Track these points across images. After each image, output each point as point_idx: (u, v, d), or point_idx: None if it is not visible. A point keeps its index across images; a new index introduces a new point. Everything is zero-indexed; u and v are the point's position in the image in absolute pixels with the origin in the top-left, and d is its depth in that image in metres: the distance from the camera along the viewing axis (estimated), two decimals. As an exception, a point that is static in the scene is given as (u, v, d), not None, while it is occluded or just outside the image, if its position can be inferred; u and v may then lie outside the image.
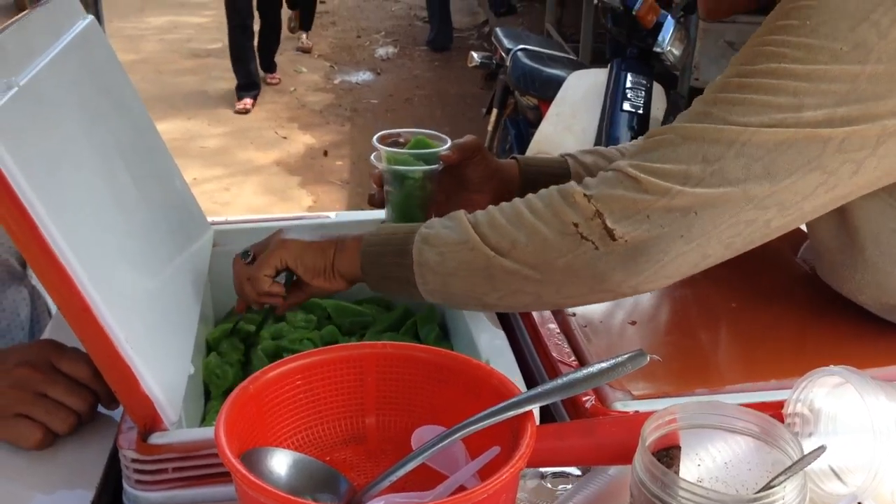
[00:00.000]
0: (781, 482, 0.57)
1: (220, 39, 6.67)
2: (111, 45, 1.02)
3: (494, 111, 3.73)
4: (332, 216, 1.23)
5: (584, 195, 0.81)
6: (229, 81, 5.14)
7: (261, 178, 4.22)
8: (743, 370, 0.90)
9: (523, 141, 3.36)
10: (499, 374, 0.72)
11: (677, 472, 0.67)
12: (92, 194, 0.77)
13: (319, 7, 8.01)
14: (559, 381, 0.70)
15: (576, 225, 0.80)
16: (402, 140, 1.11)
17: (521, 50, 3.58)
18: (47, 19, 0.88)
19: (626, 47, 2.85)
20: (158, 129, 1.06)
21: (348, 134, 4.94)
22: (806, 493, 0.59)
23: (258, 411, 0.69)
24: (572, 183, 0.84)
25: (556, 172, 1.10)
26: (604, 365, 0.71)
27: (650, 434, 0.62)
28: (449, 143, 1.07)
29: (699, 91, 3.73)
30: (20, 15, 0.82)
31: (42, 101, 0.77)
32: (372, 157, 1.10)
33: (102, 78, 0.94)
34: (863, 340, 0.95)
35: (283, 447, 0.70)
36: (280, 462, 0.65)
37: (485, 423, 0.67)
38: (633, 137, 2.72)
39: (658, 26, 2.78)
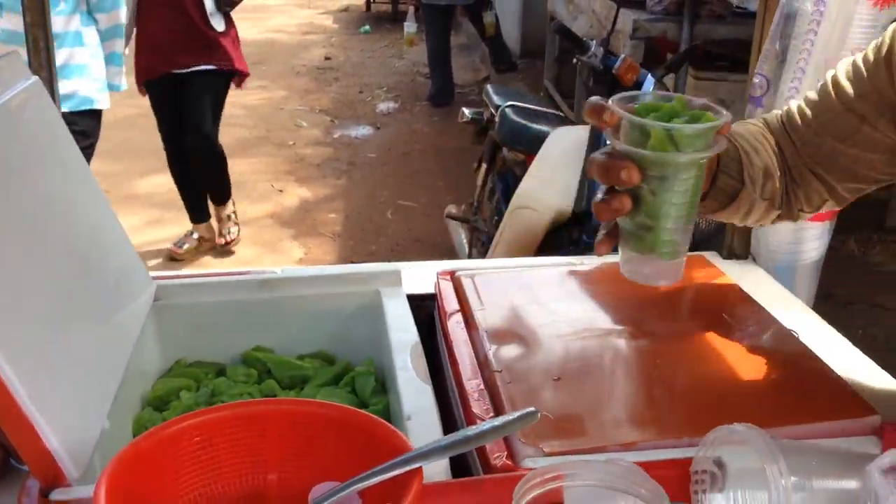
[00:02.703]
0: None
1: (224, 94, 6.79)
2: (54, 106, 1.05)
3: (484, 166, 3.77)
4: (279, 271, 1.25)
5: None
6: (224, 136, 5.23)
7: (253, 231, 4.26)
8: (659, 428, 0.91)
9: (511, 195, 3.39)
10: (398, 434, 0.73)
11: (561, 531, 0.68)
12: (6, 257, 0.79)
13: (324, 63, 8.17)
14: (450, 438, 0.70)
15: None
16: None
17: (509, 106, 3.63)
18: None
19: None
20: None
21: (343, 187, 4.99)
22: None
23: (153, 468, 0.70)
24: None
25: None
26: (495, 423, 0.72)
27: (525, 494, 0.62)
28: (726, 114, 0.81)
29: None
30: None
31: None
32: (611, 142, 0.81)
33: (39, 139, 0.97)
34: (780, 399, 0.96)
35: None
36: (165, 519, 0.66)
37: (372, 480, 0.68)
38: (614, 193, 2.74)
39: (638, 84, 2.81)
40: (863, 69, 0.99)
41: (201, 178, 3.95)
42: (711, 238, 2.33)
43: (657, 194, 0.81)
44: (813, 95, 1.04)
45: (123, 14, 3.25)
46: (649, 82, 2.81)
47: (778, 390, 0.98)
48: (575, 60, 2.83)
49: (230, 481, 0.75)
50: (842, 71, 1.01)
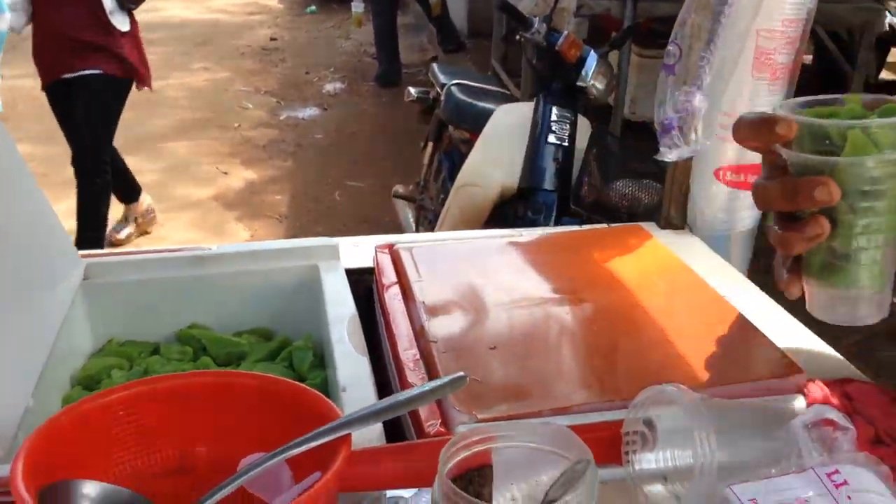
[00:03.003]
0: (560, 495, 0.58)
1: (168, 76, 6.67)
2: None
3: (430, 144, 3.77)
4: (213, 248, 1.23)
5: None
6: (168, 118, 5.14)
7: (197, 214, 4.20)
8: (592, 392, 0.91)
9: (457, 173, 3.39)
10: (325, 401, 0.73)
11: (489, 492, 0.68)
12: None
13: (269, 44, 8.06)
14: (378, 405, 0.70)
15: None
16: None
17: (454, 85, 3.62)
18: None
19: (550, 82, 2.89)
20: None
21: (290, 169, 4.95)
22: (593, 507, 0.60)
23: (77, 444, 0.68)
24: None
25: None
26: (424, 388, 0.72)
27: (451, 457, 0.62)
28: None
29: (635, 124, 3.83)
30: None
31: None
32: (784, 152, 0.68)
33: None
34: (711, 360, 0.98)
35: (104, 480, 0.69)
36: (86, 495, 0.65)
37: (299, 448, 0.67)
38: (558, 169, 2.76)
39: (581, 61, 2.82)
40: None
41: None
42: (655, 211, 2.36)
43: (857, 211, 0.65)
44: None
45: None
46: (592, 59, 2.82)
47: (709, 352, 1.00)
48: (518, 37, 2.83)
49: (158, 455, 0.74)
50: None
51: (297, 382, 0.74)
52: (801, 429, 0.81)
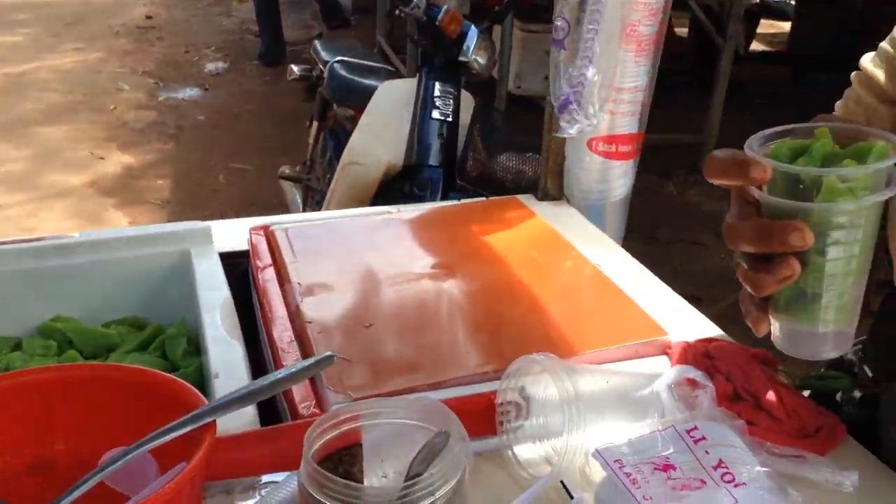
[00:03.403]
0: (426, 468, 0.58)
1: (36, 58, 6.34)
2: None
3: (315, 123, 3.72)
4: (77, 235, 1.18)
5: None
6: (37, 102, 4.89)
7: (72, 202, 4.02)
8: (468, 365, 0.92)
9: (342, 151, 3.36)
10: (188, 388, 0.71)
11: (360, 470, 0.68)
12: None
13: (145, 22, 7.76)
14: (244, 389, 0.69)
15: None
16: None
17: (338, 62, 3.58)
18: None
19: (432, 57, 2.89)
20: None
21: (171, 152, 4.78)
22: (460, 476, 0.60)
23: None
24: None
25: None
26: (292, 369, 0.71)
27: (317, 438, 0.62)
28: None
29: (520, 98, 3.85)
30: None
31: None
32: (756, 193, 0.66)
33: None
34: (582, 327, 1.00)
35: (-47, 482, 0.66)
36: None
37: (162, 439, 0.65)
38: (443, 145, 2.76)
39: (463, 36, 2.83)
40: (892, 52, 0.93)
41: None
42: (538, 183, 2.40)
43: (828, 253, 0.64)
44: (842, 102, 0.99)
45: None
46: (473, 34, 2.83)
47: (580, 319, 1.02)
48: (398, 12, 2.81)
49: (15, 454, 0.71)
50: (867, 66, 0.95)
51: (160, 372, 0.72)
52: (664, 389, 0.84)
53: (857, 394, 0.94)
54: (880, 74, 0.94)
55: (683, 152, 4.49)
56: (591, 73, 1.33)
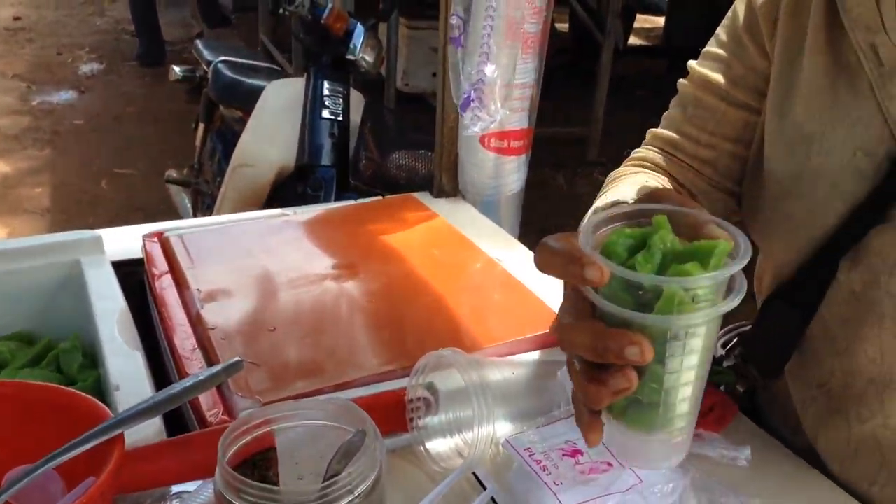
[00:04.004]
0: (344, 467, 0.59)
1: None
2: None
3: (201, 125, 3.63)
4: (-43, 250, 1.12)
5: None
6: None
7: (-59, 214, 3.81)
8: (375, 364, 0.93)
9: (231, 153, 3.30)
10: (91, 401, 0.69)
11: (276, 474, 0.68)
12: None
13: (13, 23, 7.40)
14: (151, 400, 0.68)
15: None
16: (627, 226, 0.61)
17: (221, 62, 3.51)
18: None
19: (319, 56, 2.87)
20: None
21: (49, 158, 4.58)
22: (377, 473, 0.61)
23: None
24: None
25: None
26: (199, 377, 0.70)
27: (231, 444, 0.61)
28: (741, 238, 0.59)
29: (409, 96, 3.85)
30: None
31: None
32: (591, 295, 0.58)
33: None
34: (486, 321, 1.02)
35: None
36: None
37: (67, 455, 0.63)
38: (335, 144, 2.75)
39: (349, 34, 2.82)
40: (724, 54, 0.94)
41: None
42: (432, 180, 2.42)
43: (667, 365, 0.58)
44: (678, 112, 0.99)
45: None
46: (360, 32, 2.83)
47: (483, 314, 1.04)
48: (282, 11, 2.78)
49: None
50: (702, 71, 0.95)
51: (57, 386, 0.70)
52: (568, 377, 0.86)
53: (740, 389, 1.00)
54: (718, 77, 0.93)
55: (571, 145, 4.61)
56: (490, 70, 1.36)
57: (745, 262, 0.56)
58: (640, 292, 0.56)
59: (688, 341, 0.58)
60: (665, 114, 1.03)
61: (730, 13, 0.95)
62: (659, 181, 0.93)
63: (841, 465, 0.88)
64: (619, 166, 1.04)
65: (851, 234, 0.82)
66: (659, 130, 1.02)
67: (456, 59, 1.40)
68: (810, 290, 0.87)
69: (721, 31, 0.96)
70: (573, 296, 0.62)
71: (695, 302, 0.56)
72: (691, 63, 0.99)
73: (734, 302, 0.57)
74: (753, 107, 0.92)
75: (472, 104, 1.35)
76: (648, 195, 0.67)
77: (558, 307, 0.64)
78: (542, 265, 0.60)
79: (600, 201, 0.88)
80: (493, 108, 1.37)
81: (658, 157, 1.00)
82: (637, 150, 1.05)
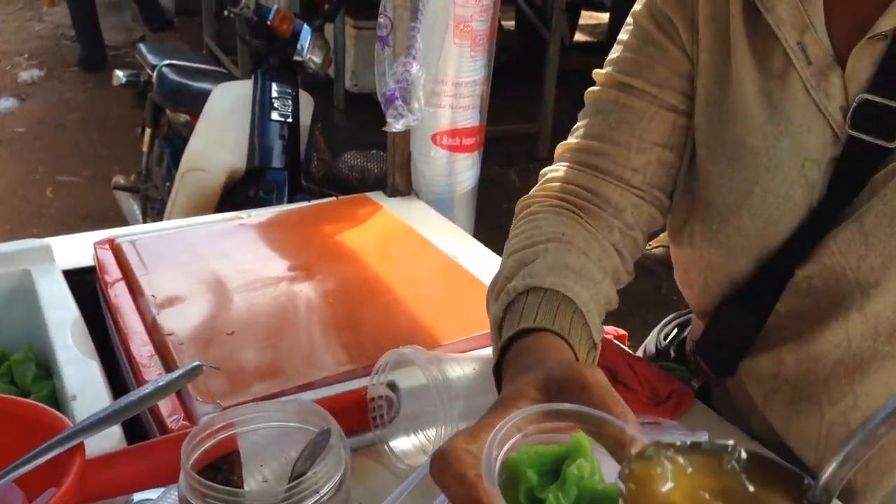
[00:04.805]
0: (309, 467, 0.59)
1: None
2: None
3: (148, 130, 3.58)
4: None
5: None
6: None
7: None
8: (335, 364, 0.93)
9: (180, 158, 3.26)
10: (49, 412, 0.68)
11: (240, 477, 0.68)
12: None
13: (-53, 31, 7.20)
14: (110, 408, 0.67)
15: None
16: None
17: (166, 65, 3.46)
18: None
19: (266, 58, 2.85)
20: None
21: (-10, 168, 4.48)
22: (343, 472, 0.61)
23: None
24: None
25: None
26: (159, 382, 0.69)
27: (194, 448, 0.61)
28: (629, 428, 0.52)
29: (359, 96, 3.84)
30: None
31: None
32: None
33: None
34: (444, 318, 1.03)
35: None
36: None
37: (26, 466, 0.63)
38: (285, 147, 2.74)
39: (296, 35, 2.81)
40: (642, 59, 0.90)
41: None
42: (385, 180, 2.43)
43: None
44: (599, 120, 0.92)
45: None
46: (306, 33, 2.81)
47: (442, 311, 1.05)
48: (226, 13, 2.75)
49: None
50: (622, 77, 0.90)
51: (14, 397, 0.69)
52: (528, 369, 0.87)
53: (695, 384, 1.02)
54: (640, 81, 0.89)
55: (522, 142, 4.64)
56: (415, 68, 1.36)
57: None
58: None
59: None
60: (577, 126, 0.95)
61: (630, 21, 0.92)
62: (580, 260, 0.82)
63: (816, 453, 0.88)
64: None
65: (808, 239, 0.82)
66: (575, 142, 0.94)
67: (382, 57, 1.40)
68: (766, 294, 0.87)
69: (630, 38, 0.91)
70: None
71: None
72: (604, 71, 0.93)
73: None
74: (681, 109, 0.89)
75: (395, 101, 1.36)
76: (568, 374, 0.57)
77: None
78: (439, 482, 0.51)
79: (512, 292, 0.78)
80: (415, 106, 1.37)
81: (580, 177, 0.91)
82: (552, 168, 0.96)
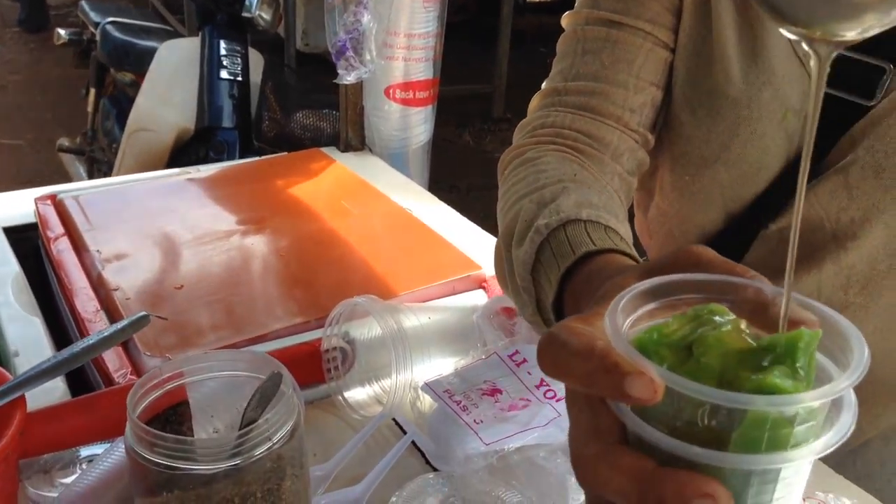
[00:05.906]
0: (260, 414, 0.57)
1: None
2: None
3: (93, 90, 3.48)
4: None
5: None
6: None
7: None
8: (289, 316, 0.91)
9: (126, 118, 3.18)
10: (-12, 366, 0.65)
11: (189, 428, 0.66)
12: None
13: None
14: (53, 359, 0.64)
15: None
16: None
17: (110, 23, 3.36)
18: None
19: (214, 15, 2.78)
20: None
21: (-70, 133, 4.33)
22: (296, 418, 0.59)
23: None
24: None
25: None
26: (104, 333, 0.67)
27: (141, 399, 0.59)
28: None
29: (309, 56, 3.78)
30: None
31: None
32: (631, 420, 0.39)
33: None
34: (401, 268, 1.01)
35: None
36: None
37: (-36, 421, 0.60)
38: (236, 106, 2.68)
39: (247, -8, 2.74)
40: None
41: None
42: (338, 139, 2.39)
43: None
44: (591, 59, 0.83)
45: None
46: (258, -10, 2.75)
47: (397, 262, 1.03)
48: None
49: None
50: (611, 14, 0.83)
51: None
52: (484, 319, 0.87)
53: None
54: (632, 18, 0.82)
55: (476, 102, 4.61)
56: (366, 19, 1.33)
57: (864, 371, 0.37)
58: (702, 411, 0.38)
59: (780, 486, 0.39)
60: (559, 69, 0.86)
61: None
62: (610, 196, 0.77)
63: None
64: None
65: (784, 192, 0.81)
66: (563, 85, 0.85)
67: (332, 6, 1.37)
68: (735, 245, 0.85)
69: None
70: (591, 411, 0.42)
71: (789, 428, 0.37)
72: (583, 11, 0.85)
73: (846, 426, 0.37)
74: (671, 47, 0.83)
75: (346, 53, 1.33)
76: (675, 255, 0.47)
77: (567, 431, 0.43)
78: (554, 369, 0.41)
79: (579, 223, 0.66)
80: (367, 58, 1.34)
81: (576, 121, 0.82)
82: (537, 116, 0.86)
